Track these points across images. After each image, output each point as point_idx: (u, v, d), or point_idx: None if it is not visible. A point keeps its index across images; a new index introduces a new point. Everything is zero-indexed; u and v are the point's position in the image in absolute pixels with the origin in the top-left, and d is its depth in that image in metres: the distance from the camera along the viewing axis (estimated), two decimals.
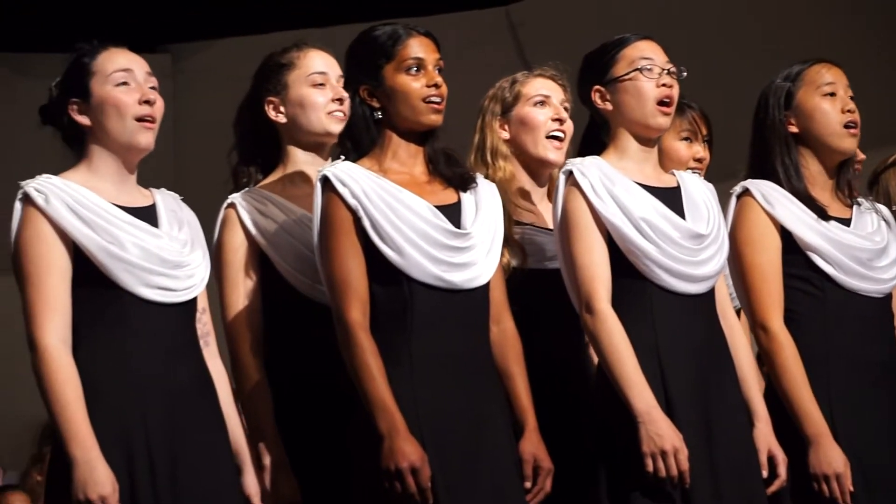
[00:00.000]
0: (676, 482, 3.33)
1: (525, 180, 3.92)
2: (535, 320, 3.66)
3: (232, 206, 3.68)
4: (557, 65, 3.98)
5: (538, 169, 3.92)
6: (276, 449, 3.53)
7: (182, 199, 3.46)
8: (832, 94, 3.75)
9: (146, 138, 3.30)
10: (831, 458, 3.55)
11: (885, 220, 3.82)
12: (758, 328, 3.66)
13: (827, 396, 3.62)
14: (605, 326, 3.40)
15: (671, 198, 3.56)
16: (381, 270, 3.30)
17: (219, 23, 8.36)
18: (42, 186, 3.23)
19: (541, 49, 7.15)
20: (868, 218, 3.79)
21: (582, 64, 3.63)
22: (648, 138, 3.58)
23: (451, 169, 3.43)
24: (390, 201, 3.31)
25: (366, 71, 3.39)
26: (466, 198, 3.43)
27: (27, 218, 3.22)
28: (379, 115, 3.38)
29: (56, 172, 3.30)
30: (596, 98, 3.58)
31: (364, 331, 3.25)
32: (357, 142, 3.40)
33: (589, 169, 3.50)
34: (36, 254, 3.19)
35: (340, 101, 3.70)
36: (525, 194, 3.91)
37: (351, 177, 3.32)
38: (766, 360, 3.66)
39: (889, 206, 4.02)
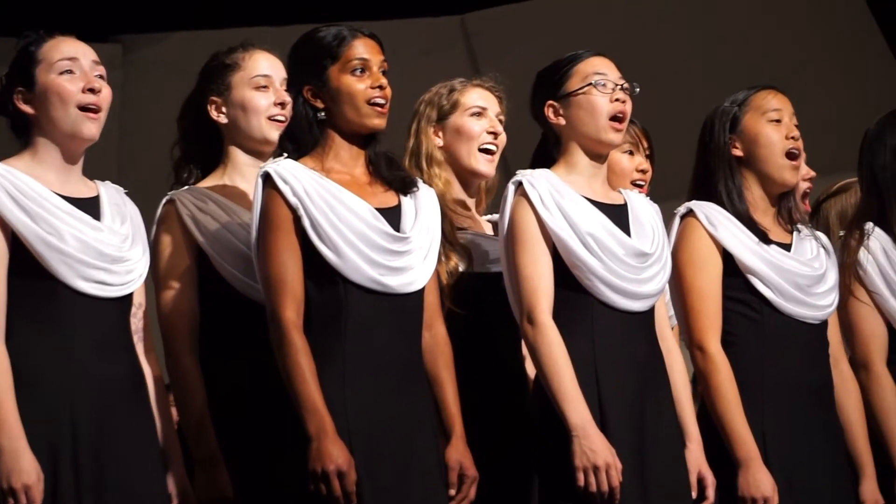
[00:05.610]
0: (606, 498, 3.34)
1: (457, 188, 3.92)
2: (479, 323, 3.66)
3: (171, 202, 3.66)
4: (496, 76, 3.98)
5: (469, 179, 3.92)
6: (212, 444, 3.51)
7: (126, 193, 3.43)
8: (777, 121, 3.79)
9: (90, 128, 3.26)
10: (759, 481, 3.57)
11: (823, 248, 3.85)
12: (694, 349, 3.67)
13: (760, 420, 3.64)
14: (545, 339, 3.41)
15: (618, 215, 3.58)
16: (318, 271, 3.28)
17: (172, 16, 8.31)
18: None
19: (494, 60, 7.15)
20: (808, 244, 3.82)
21: (535, 80, 3.64)
22: (599, 154, 3.59)
23: (391, 172, 3.42)
24: (331, 201, 3.30)
25: (310, 71, 3.37)
26: (406, 202, 3.42)
27: None
28: (322, 115, 3.38)
29: (5, 158, 3.26)
30: (549, 113, 3.59)
31: (297, 330, 3.23)
32: (298, 142, 3.38)
33: (538, 180, 3.51)
34: None
35: (283, 104, 3.69)
36: (460, 201, 3.91)
37: (293, 174, 3.30)
38: (700, 380, 3.68)
39: (828, 235, 4.05)
